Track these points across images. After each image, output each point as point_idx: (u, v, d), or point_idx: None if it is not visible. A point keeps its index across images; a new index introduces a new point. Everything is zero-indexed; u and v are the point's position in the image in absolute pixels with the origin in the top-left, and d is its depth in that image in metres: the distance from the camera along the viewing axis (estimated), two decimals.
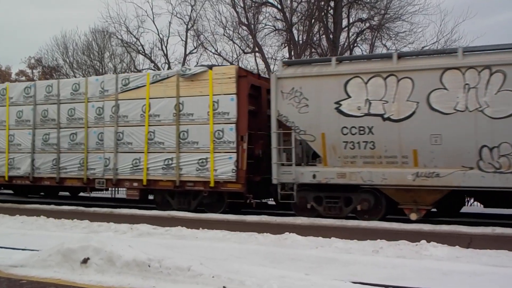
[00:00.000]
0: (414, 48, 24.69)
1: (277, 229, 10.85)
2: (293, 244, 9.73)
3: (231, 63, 29.00)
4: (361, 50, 26.95)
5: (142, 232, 11.18)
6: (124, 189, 16.51)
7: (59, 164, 15.72)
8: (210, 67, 13.78)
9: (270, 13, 28.13)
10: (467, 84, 10.83)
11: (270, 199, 16.60)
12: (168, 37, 32.20)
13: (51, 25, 59.65)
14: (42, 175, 16.11)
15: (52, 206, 15.11)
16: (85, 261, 6.68)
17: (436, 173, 11.14)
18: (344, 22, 26.50)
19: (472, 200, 15.08)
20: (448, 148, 10.99)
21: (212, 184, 13.34)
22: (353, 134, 11.80)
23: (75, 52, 36.56)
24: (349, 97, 11.89)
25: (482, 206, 13.79)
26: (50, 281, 6.35)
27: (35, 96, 16.34)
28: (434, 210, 12.78)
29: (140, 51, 32.96)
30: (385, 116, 11.52)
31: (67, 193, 19.93)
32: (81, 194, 20.10)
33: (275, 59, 27.37)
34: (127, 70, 33.85)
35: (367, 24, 26.40)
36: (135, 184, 14.54)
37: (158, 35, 32.44)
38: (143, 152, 14.35)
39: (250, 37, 28.11)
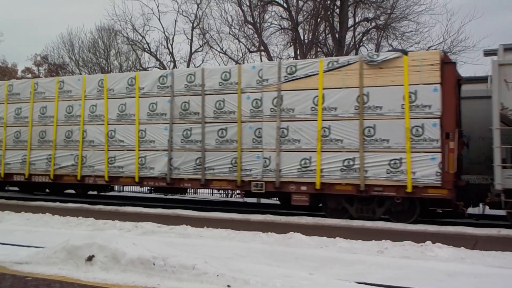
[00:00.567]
0: (420, 48, 24.66)
1: (282, 229, 10.84)
2: (298, 243, 9.72)
3: (237, 62, 29.05)
4: (367, 50, 26.93)
5: (147, 230, 11.20)
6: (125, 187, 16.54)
7: (204, 164, 13.72)
8: (405, 52, 11.96)
9: (276, 12, 28.18)
10: None
11: (275, 198, 16.63)
12: (173, 36, 32.34)
13: (57, 23, 59.85)
14: (182, 176, 14.11)
15: (58, 204, 15.14)
16: (90, 258, 6.70)
17: None
18: (350, 22, 26.50)
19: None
20: None
21: (409, 189, 11.37)
22: None
23: (81, 49, 36.72)
24: None
25: (487, 207, 13.73)
26: (55, 278, 6.37)
27: (172, 86, 14.28)
28: (440, 211, 12.75)
29: (146, 49, 33.07)
30: None
31: (71, 191, 20.00)
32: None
33: (281, 58, 27.37)
34: (133, 68, 33.94)
35: (373, 24, 26.37)
36: (304, 188, 12.54)
37: (164, 33, 32.60)
38: (314, 151, 12.37)
39: (256, 36, 28.13)
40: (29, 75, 44.33)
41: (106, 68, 34.95)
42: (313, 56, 26.97)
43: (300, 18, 27.23)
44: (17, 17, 61.49)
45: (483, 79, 13.68)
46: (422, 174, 11.29)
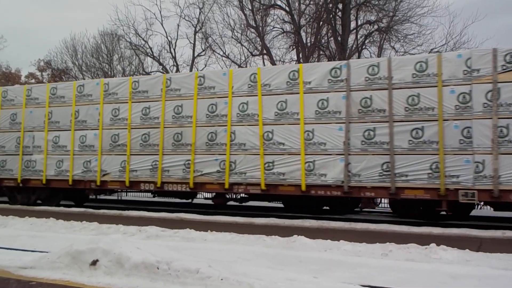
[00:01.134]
0: (423, 51, 24.67)
1: (286, 232, 10.83)
2: (302, 246, 9.69)
3: (239, 66, 29.10)
4: (370, 53, 26.96)
5: (150, 234, 11.20)
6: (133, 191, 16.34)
7: (393, 169, 11.87)
8: None
9: (278, 15, 28.27)
10: None
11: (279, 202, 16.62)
12: (176, 40, 32.50)
13: (61, 28, 60.06)
14: (363, 184, 12.24)
15: (61, 208, 15.19)
16: (94, 263, 6.69)
17: None
18: (353, 25, 26.54)
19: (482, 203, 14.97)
20: None
21: None
22: None
23: (84, 54, 36.91)
24: None
25: (492, 209, 13.70)
26: (59, 282, 6.37)
27: (348, 79, 12.51)
28: (444, 213, 12.73)
29: (149, 54, 33.21)
30: None
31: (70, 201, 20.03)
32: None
33: (283, 62, 27.41)
34: (136, 73, 34.04)
35: (376, 26, 26.40)
36: None
37: (167, 37, 32.79)
38: None
39: (258, 39, 28.20)
40: (33, 81, 44.53)
41: (109, 72, 35.07)
42: (316, 60, 26.97)
43: (303, 22, 27.29)
44: (20, 23, 61.77)
45: None
46: None
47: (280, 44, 29.32)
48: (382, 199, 17.43)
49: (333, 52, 26.62)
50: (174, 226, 11.83)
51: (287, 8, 27.24)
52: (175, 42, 32.68)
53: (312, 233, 10.63)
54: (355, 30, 26.64)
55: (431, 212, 12.73)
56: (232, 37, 29.40)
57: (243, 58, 29.82)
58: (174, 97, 14.49)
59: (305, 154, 12.76)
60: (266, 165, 13.14)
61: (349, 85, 12.49)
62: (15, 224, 13.10)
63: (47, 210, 15.12)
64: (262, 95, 13.34)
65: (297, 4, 27.38)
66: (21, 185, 16.48)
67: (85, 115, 15.66)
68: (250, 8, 28.00)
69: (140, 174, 14.77)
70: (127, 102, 15.06)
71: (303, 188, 12.73)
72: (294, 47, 27.77)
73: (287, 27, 28.04)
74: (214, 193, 15.31)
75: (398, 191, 11.94)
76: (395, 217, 13.87)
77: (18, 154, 16.56)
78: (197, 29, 31.47)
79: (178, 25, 33.77)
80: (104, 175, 15.20)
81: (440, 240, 9.50)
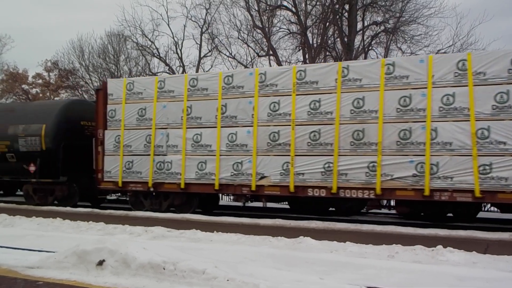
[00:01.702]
0: (429, 52, 24.59)
1: (292, 233, 10.82)
2: (308, 248, 9.68)
3: (246, 67, 29.11)
4: (376, 54, 26.89)
5: (157, 235, 11.22)
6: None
7: None
8: None
9: (285, 16, 28.24)
10: None
11: (284, 203, 16.62)
12: (183, 41, 32.50)
13: (68, 29, 60.31)
14: None
15: (68, 208, 15.24)
16: (100, 263, 6.72)
17: None
18: (359, 25, 26.46)
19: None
20: None
21: None
22: None
23: (91, 55, 37.00)
24: None
25: (499, 211, 13.64)
26: (66, 282, 6.39)
27: None
28: (450, 214, 12.68)
29: (155, 54, 33.26)
30: None
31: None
32: None
33: (289, 63, 27.40)
34: (142, 73, 34.12)
35: (382, 27, 26.33)
36: None
37: (173, 38, 32.76)
38: None
39: (265, 40, 28.18)
40: (40, 81, 44.70)
41: (116, 73, 35.17)
42: (322, 61, 26.98)
43: (309, 22, 27.25)
44: (28, 24, 62.07)
45: None
46: None
47: (287, 45, 29.35)
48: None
49: (339, 53, 26.58)
50: (180, 227, 11.85)
51: (293, 9, 27.22)
52: (182, 43, 32.73)
53: (318, 234, 10.62)
54: (361, 31, 26.57)
55: None
56: (238, 38, 29.43)
57: (249, 59, 29.85)
58: (353, 88, 12.41)
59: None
60: (482, 168, 11.14)
61: None
62: (22, 224, 13.17)
63: (53, 210, 15.19)
64: (475, 85, 11.30)
65: (303, 5, 27.36)
66: (152, 189, 14.60)
67: (235, 109, 13.61)
68: (257, 9, 27.99)
69: (309, 178, 12.69)
70: (289, 95, 12.95)
71: None
72: (300, 48, 27.74)
73: (294, 28, 28.04)
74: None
75: None
76: (401, 219, 13.83)
77: (148, 155, 14.60)
78: (203, 30, 31.51)
79: (184, 26, 33.76)
80: (260, 178, 13.15)
81: (446, 242, 9.47)
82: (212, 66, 33.53)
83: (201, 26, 31.43)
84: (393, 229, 10.90)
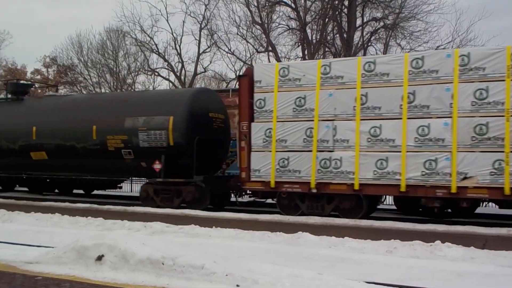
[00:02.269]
0: (429, 48, 24.58)
1: (290, 228, 10.84)
2: (306, 243, 9.71)
3: (245, 63, 29.11)
4: (375, 50, 26.88)
5: (155, 230, 11.24)
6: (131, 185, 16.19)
7: None
8: None
9: (284, 12, 28.22)
10: None
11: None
12: (181, 36, 32.53)
13: (66, 25, 60.22)
14: None
15: (67, 204, 15.22)
16: (99, 258, 6.72)
17: None
18: (358, 21, 26.46)
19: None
20: None
21: None
22: None
23: (90, 51, 37.00)
24: None
25: (497, 207, 13.66)
26: (65, 277, 6.40)
27: None
28: (449, 210, 12.69)
29: (154, 50, 33.24)
30: None
31: (80, 191, 20.12)
32: (95, 192, 20.28)
33: (289, 59, 27.37)
34: (141, 69, 34.09)
35: (382, 23, 26.30)
36: None
37: (172, 34, 32.77)
38: None
39: (264, 36, 28.15)
40: (38, 77, 44.64)
41: (115, 69, 35.15)
42: (321, 57, 26.96)
43: (308, 18, 27.24)
44: (26, 19, 61.95)
45: None
46: None
47: (286, 41, 29.23)
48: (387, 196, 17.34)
49: (338, 49, 26.56)
50: (178, 222, 11.87)
51: (292, 5, 27.19)
52: (181, 39, 32.70)
53: (316, 230, 10.64)
54: (361, 27, 26.55)
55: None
56: (237, 34, 29.42)
57: (249, 55, 29.82)
58: None
59: None
60: None
61: None
62: (21, 219, 13.19)
63: (52, 205, 15.16)
64: None
65: (302, 0, 27.32)
66: (315, 191, 12.45)
67: (426, 98, 11.56)
68: (256, 4, 27.96)
69: None
70: (502, 80, 11.00)
71: None
72: (299, 44, 27.72)
73: (293, 24, 28.01)
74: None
75: None
76: (400, 214, 13.85)
77: (309, 151, 12.49)
78: (202, 26, 31.49)
79: (183, 21, 33.64)
80: (463, 179, 11.14)
81: (445, 238, 9.49)
82: (211, 62, 33.57)
83: (200, 22, 31.44)
84: (392, 225, 10.91)
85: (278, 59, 27.19)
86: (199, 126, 14.58)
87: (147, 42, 33.07)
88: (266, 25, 27.93)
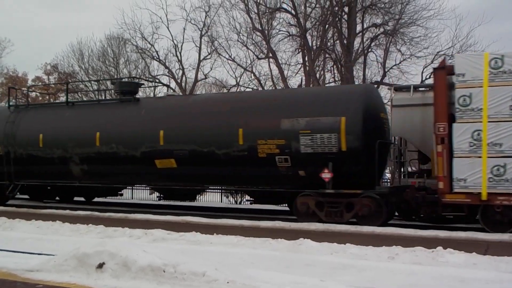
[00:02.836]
0: (429, 54, 24.59)
1: (292, 235, 10.81)
2: (308, 250, 9.68)
3: (245, 69, 29.13)
4: (375, 56, 26.88)
5: (156, 237, 11.21)
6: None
7: None
8: None
9: (284, 18, 28.22)
10: None
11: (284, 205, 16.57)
12: (182, 43, 32.45)
13: (67, 32, 60.36)
14: None
15: (68, 211, 15.20)
16: (100, 265, 6.70)
17: None
18: (358, 27, 26.46)
19: None
20: None
21: None
22: None
23: (91, 58, 36.98)
24: None
25: None
26: (66, 285, 6.38)
27: None
28: (450, 216, 12.65)
29: (155, 57, 33.22)
30: None
31: (81, 198, 20.11)
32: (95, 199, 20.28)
33: (289, 65, 27.39)
34: (142, 76, 34.11)
35: (382, 29, 26.30)
36: None
37: (173, 41, 32.69)
38: None
39: (264, 42, 28.17)
40: (39, 84, 44.65)
41: (116, 76, 35.15)
42: (322, 63, 26.98)
43: (308, 25, 27.25)
44: (27, 27, 62.13)
45: None
46: None
47: (286, 47, 29.20)
48: None
49: (339, 55, 26.58)
50: (180, 229, 11.84)
51: (293, 12, 27.21)
52: (181, 46, 32.63)
53: (318, 237, 10.61)
54: (361, 33, 26.57)
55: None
56: (238, 41, 29.39)
57: (249, 62, 29.83)
58: None
59: None
60: None
61: None
62: (21, 227, 13.16)
63: (53, 213, 15.15)
64: None
65: (303, 7, 27.35)
66: None
67: None
68: (256, 11, 27.98)
69: None
70: None
71: None
72: (300, 50, 27.73)
73: (293, 30, 28.00)
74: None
75: None
76: (401, 220, 13.81)
77: None
78: (203, 33, 31.48)
79: (184, 28, 33.57)
80: None
81: (447, 244, 9.46)
82: (211, 69, 33.54)
83: (200, 29, 31.42)
84: (393, 231, 10.89)
85: (278, 66, 27.19)
86: (375, 128, 12.94)
87: (147, 49, 33.07)
88: (266, 31, 27.95)
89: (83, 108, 17.38)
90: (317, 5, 26.95)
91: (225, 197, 21.54)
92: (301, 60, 27.56)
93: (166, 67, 33.07)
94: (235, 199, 21.38)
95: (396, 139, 14.02)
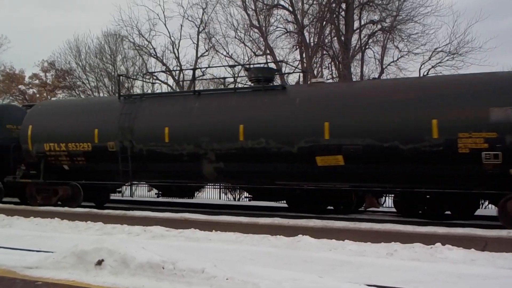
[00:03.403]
0: (426, 50, 24.61)
1: (290, 232, 10.82)
2: (306, 246, 9.69)
3: (243, 66, 29.08)
4: (373, 52, 26.90)
5: (155, 234, 11.21)
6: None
7: None
8: None
9: (282, 15, 28.21)
10: None
11: (282, 201, 16.60)
12: (179, 40, 32.49)
13: (64, 29, 60.23)
14: None
15: (66, 208, 15.19)
16: (99, 262, 6.70)
17: None
18: (356, 24, 26.45)
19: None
20: None
21: None
22: None
23: (88, 55, 36.96)
24: None
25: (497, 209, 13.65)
26: (64, 282, 6.37)
27: None
28: (448, 212, 12.69)
29: (152, 54, 33.24)
30: None
31: None
32: None
33: (287, 62, 27.38)
34: (139, 73, 34.06)
35: (379, 26, 26.32)
36: None
37: (170, 38, 32.71)
38: None
39: (262, 39, 28.16)
40: (36, 81, 44.60)
41: (113, 73, 35.12)
42: (319, 60, 26.96)
43: (306, 21, 27.22)
44: (24, 24, 61.95)
45: None
46: None
47: (284, 44, 29.29)
48: (386, 199, 17.41)
49: (336, 52, 26.58)
50: (178, 226, 11.84)
51: (290, 8, 27.19)
52: (179, 43, 32.68)
53: (316, 233, 10.62)
54: (358, 30, 26.57)
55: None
56: (235, 37, 29.41)
57: (246, 58, 29.82)
58: None
59: None
60: None
61: None
62: (20, 224, 13.14)
63: (52, 210, 15.14)
64: None
65: (300, 4, 27.34)
66: None
67: None
68: (253, 8, 27.96)
69: None
70: None
71: None
72: (297, 47, 27.73)
73: (290, 27, 28.00)
74: None
75: None
76: (399, 217, 13.85)
77: None
78: (200, 30, 31.49)
79: (181, 25, 33.63)
80: None
81: (445, 240, 9.48)
82: (209, 66, 33.56)
83: (198, 26, 31.43)
84: (392, 227, 10.91)
85: (276, 63, 27.19)
86: None
87: (145, 46, 33.08)
88: (263, 28, 27.94)
89: (215, 98, 15.25)
90: (315, 2, 26.94)
91: (223, 194, 21.56)
92: (298, 57, 27.59)
93: (164, 64, 33.07)
94: (234, 196, 21.41)
95: None
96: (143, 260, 6.51)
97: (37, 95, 44.17)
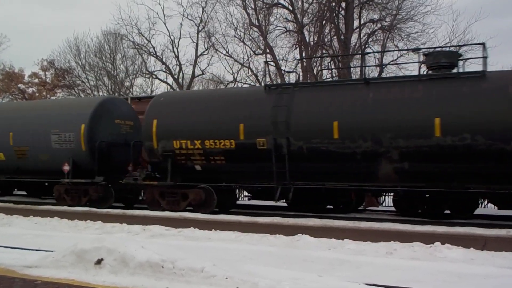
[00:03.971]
0: (426, 49, 24.56)
1: (290, 231, 10.82)
2: (306, 245, 9.69)
3: (242, 65, 29.12)
4: (372, 51, 26.90)
5: (154, 233, 11.21)
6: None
7: None
8: None
9: (281, 14, 28.25)
10: None
11: (282, 200, 16.55)
12: (179, 39, 32.52)
13: (64, 28, 60.18)
14: None
15: (66, 207, 15.18)
16: (99, 261, 6.70)
17: None
18: (356, 23, 26.47)
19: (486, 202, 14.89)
20: None
21: None
22: None
23: (87, 54, 36.97)
24: None
25: (496, 208, 13.68)
26: (64, 281, 6.37)
27: None
28: (448, 211, 12.69)
29: (152, 53, 33.26)
30: None
31: None
32: None
33: (286, 60, 27.41)
34: (139, 72, 34.07)
35: (379, 25, 26.32)
36: None
37: (169, 37, 32.82)
38: None
39: (261, 38, 28.18)
40: (36, 80, 44.57)
41: (112, 72, 35.14)
42: (319, 59, 26.96)
43: (306, 20, 27.24)
44: (23, 23, 61.90)
45: None
46: None
47: (283, 43, 29.36)
48: (386, 198, 17.41)
49: (336, 51, 26.58)
50: (178, 225, 11.85)
51: (290, 7, 27.20)
52: (178, 42, 32.71)
53: (316, 232, 10.62)
54: (358, 29, 26.58)
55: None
56: (235, 36, 29.44)
57: (246, 57, 29.83)
58: None
59: None
60: None
61: None
62: (19, 223, 13.14)
63: (51, 209, 15.13)
64: None
65: (300, 3, 27.35)
66: None
67: None
68: (253, 7, 27.98)
69: None
70: None
71: None
72: (297, 46, 27.74)
73: (290, 26, 28.02)
74: None
75: None
76: (399, 216, 13.85)
77: None
78: (200, 28, 31.52)
79: (181, 24, 33.81)
80: None
81: (444, 239, 9.48)
82: (208, 65, 33.64)
83: (197, 25, 31.46)
84: (391, 226, 10.91)
85: (276, 61, 27.19)
86: None
87: (144, 45, 33.11)
88: (263, 27, 27.96)
89: (391, 88, 12.90)
90: (314, 1, 26.95)
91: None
92: (298, 56, 27.59)
93: (163, 63, 33.11)
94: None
95: None
96: (143, 259, 6.51)
97: (37, 94, 44.15)
